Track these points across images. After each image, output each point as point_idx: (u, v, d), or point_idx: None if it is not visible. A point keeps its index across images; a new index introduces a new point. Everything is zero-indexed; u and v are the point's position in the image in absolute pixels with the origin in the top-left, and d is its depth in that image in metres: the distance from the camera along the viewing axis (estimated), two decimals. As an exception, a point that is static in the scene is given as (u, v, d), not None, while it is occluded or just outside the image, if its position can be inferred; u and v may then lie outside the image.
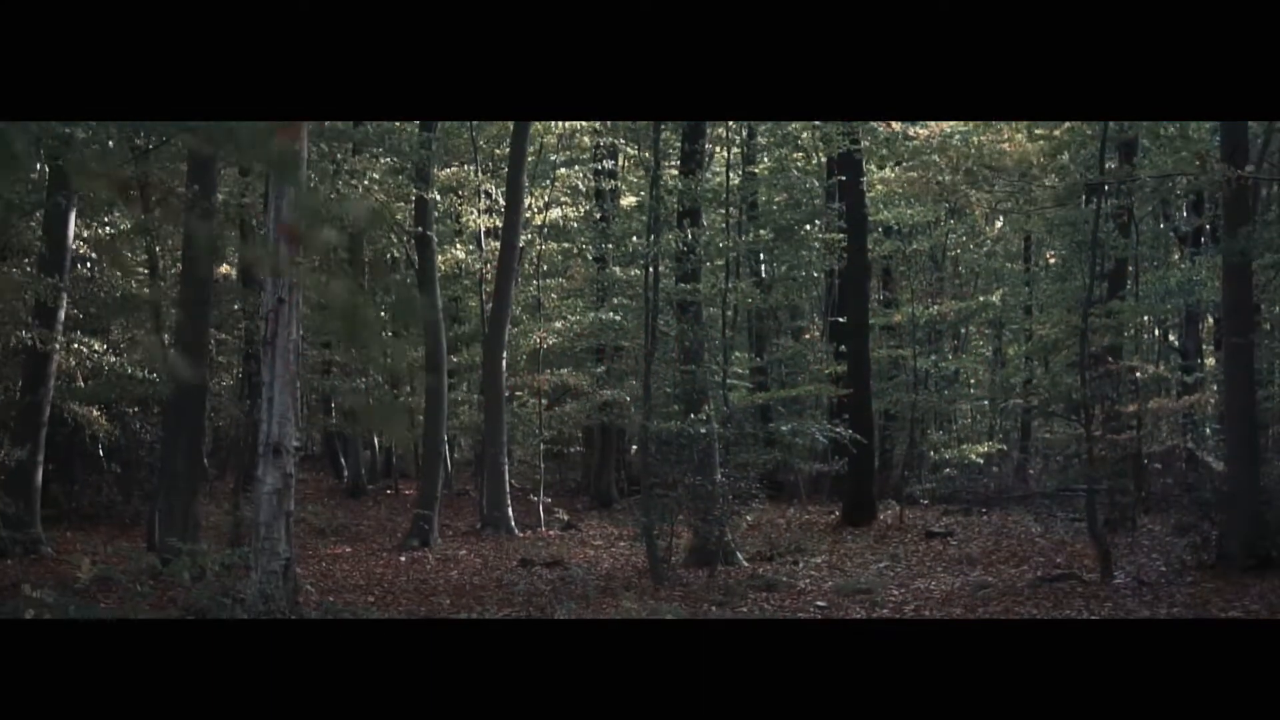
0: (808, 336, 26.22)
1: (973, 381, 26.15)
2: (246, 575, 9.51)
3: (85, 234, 15.99)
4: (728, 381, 17.46)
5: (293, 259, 6.68)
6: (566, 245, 23.82)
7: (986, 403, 26.82)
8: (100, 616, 7.92)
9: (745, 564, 14.74)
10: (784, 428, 17.94)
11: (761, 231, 18.50)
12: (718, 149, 22.32)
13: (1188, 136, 16.16)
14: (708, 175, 19.75)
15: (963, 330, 26.00)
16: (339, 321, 1.96)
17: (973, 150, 10.89)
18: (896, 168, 20.99)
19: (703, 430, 13.89)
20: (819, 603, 12.20)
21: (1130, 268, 19.35)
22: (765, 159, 24.38)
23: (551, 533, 18.77)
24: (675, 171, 16.09)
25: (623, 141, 22.38)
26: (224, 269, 19.16)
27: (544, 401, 22.59)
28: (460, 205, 21.99)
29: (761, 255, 23.67)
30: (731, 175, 20.31)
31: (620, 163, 23.86)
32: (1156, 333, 25.76)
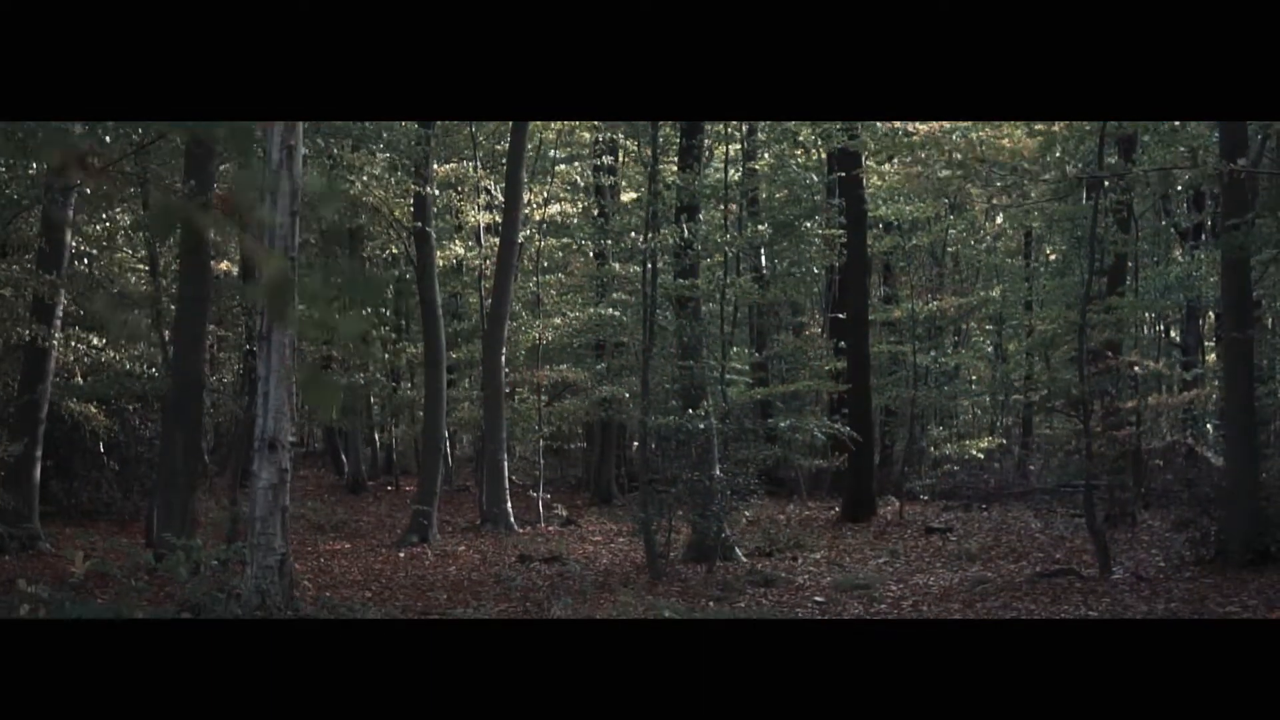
0: (809, 333, 26.19)
1: (974, 378, 26.11)
2: (242, 570, 9.50)
3: (84, 229, 15.98)
4: (726, 377, 17.45)
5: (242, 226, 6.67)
6: (566, 241, 23.79)
7: (988, 398, 26.79)
8: (94, 615, 7.92)
9: (744, 559, 14.74)
10: (782, 424, 17.92)
11: (760, 227, 18.46)
12: (719, 145, 22.29)
13: (1186, 132, 16.12)
14: (708, 171, 19.76)
15: (963, 326, 25.96)
16: (266, 295, 1.96)
17: (965, 145, 10.83)
18: (894, 163, 20.95)
19: (700, 426, 13.87)
20: (816, 598, 12.20)
21: (1130, 263, 19.31)
22: (766, 155, 24.34)
23: (551, 528, 18.77)
24: (675, 167, 16.08)
25: (621, 137, 22.34)
26: (224, 265, 19.15)
27: (544, 398, 22.58)
28: (460, 201, 21.97)
29: (762, 251, 23.66)
30: (732, 171, 20.27)
31: (620, 158, 23.83)
32: (1160, 329, 25.72)
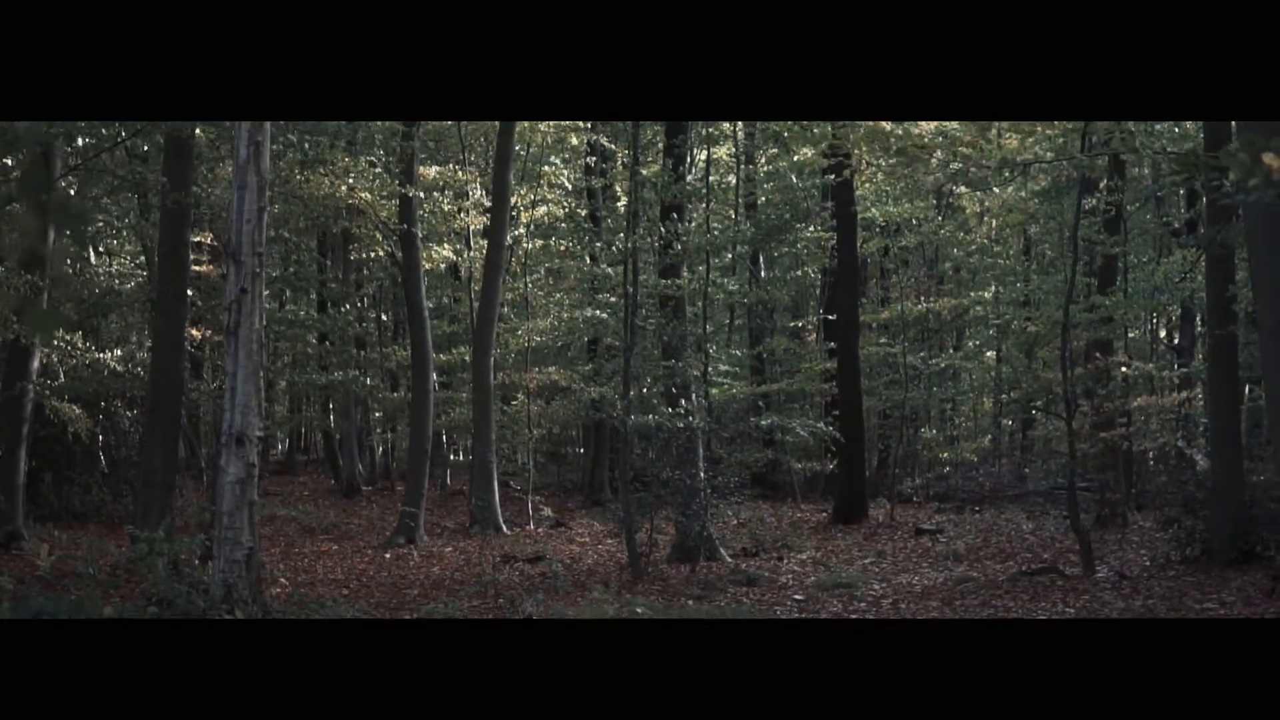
0: (811, 336, 26.13)
1: (973, 378, 25.97)
2: (205, 564, 9.50)
3: (69, 230, 15.97)
4: (714, 378, 17.41)
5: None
6: (547, 243, 23.77)
7: (988, 402, 26.67)
8: (59, 609, 7.92)
9: (729, 559, 14.70)
10: (764, 422, 17.87)
11: (743, 227, 18.42)
12: (702, 147, 22.26)
13: (1175, 132, 16.05)
14: (702, 170, 19.74)
15: (957, 329, 25.85)
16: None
17: (906, 134, 10.68)
18: (883, 163, 20.88)
19: (680, 425, 13.84)
20: (796, 596, 12.17)
21: (1120, 264, 19.22)
22: (762, 157, 24.29)
23: (540, 530, 18.73)
24: (660, 166, 16.04)
25: (606, 139, 22.31)
26: (208, 268, 19.16)
27: (537, 401, 22.54)
28: (447, 205, 21.95)
29: (760, 255, 23.61)
30: (730, 174, 20.26)
31: (614, 163, 23.81)
32: (1162, 332, 25.59)
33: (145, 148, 15.71)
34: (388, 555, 16.07)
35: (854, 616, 11.03)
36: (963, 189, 18.67)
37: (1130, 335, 22.35)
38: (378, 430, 28.16)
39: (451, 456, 27.23)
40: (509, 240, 19.83)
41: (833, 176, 19.16)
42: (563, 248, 23.81)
